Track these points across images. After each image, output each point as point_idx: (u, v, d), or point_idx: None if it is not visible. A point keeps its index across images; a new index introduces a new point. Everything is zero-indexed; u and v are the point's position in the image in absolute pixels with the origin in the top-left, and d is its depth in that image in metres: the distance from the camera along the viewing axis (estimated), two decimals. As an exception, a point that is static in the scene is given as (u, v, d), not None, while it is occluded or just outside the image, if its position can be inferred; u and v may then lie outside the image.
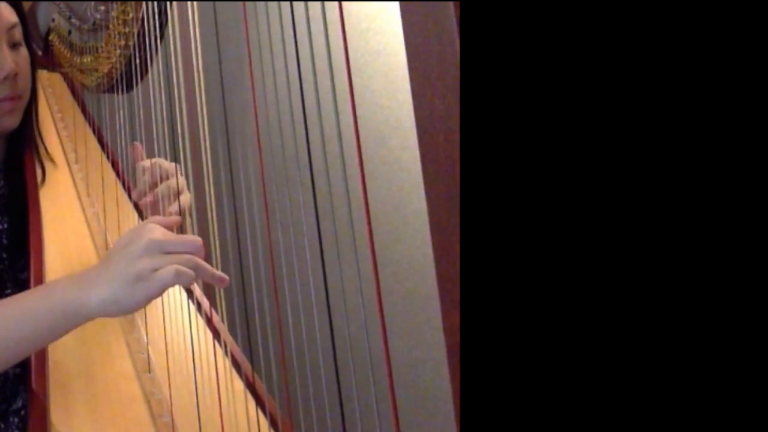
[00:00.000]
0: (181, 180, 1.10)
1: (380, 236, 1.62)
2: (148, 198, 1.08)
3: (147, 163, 1.10)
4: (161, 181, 1.09)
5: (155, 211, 1.07)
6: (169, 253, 0.81)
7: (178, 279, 0.79)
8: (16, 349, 0.85)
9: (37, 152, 1.23)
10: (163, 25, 1.07)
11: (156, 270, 0.79)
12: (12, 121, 1.13)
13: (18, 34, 1.13)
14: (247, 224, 0.87)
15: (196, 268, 0.81)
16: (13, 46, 1.12)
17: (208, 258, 0.99)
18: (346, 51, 0.59)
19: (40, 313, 0.83)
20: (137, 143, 1.15)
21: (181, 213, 1.07)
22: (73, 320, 0.83)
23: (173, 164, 1.09)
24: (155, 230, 0.82)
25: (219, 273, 0.84)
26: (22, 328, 0.83)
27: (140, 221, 1.22)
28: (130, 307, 0.81)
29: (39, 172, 1.22)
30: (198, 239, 0.83)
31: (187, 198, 1.10)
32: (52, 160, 1.25)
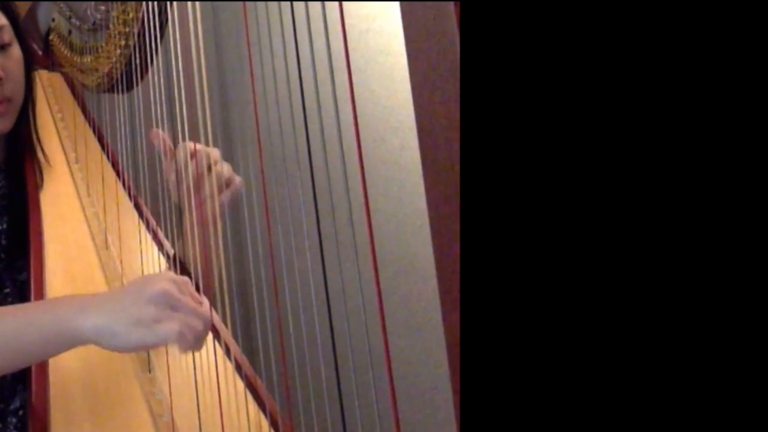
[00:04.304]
0: (227, 166, 1.00)
1: (380, 236, 1.62)
2: (194, 198, 0.97)
3: (189, 146, 0.98)
4: (208, 171, 0.98)
5: (202, 206, 0.98)
6: (177, 311, 0.79)
7: (177, 340, 0.78)
8: (10, 359, 0.84)
9: (35, 155, 1.22)
10: (163, 25, 1.07)
11: (157, 322, 0.78)
12: (3, 125, 1.12)
13: (7, 35, 1.11)
14: (248, 224, 0.87)
15: (197, 338, 0.79)
16: (1, 48, 1.10)
17: (207, 259, 0.99)
18: (346, 51, 0.59)
19: (37, 326, 0.82)
20: (158, 130, 1.03)
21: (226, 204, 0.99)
22: (67, 339, 0.81)
23: (215, 150, 0.99)
24: (172, 284, 0.81)
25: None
26: (18, 339, 0.82)
27: (140, 221, 1.22)
28: (121, 344, 0.79)
29: (38, 175, 1.21)
30: (207, 313, 0.82)
31: (238, 185, 1.01)
32: (49, 163, 1.25)
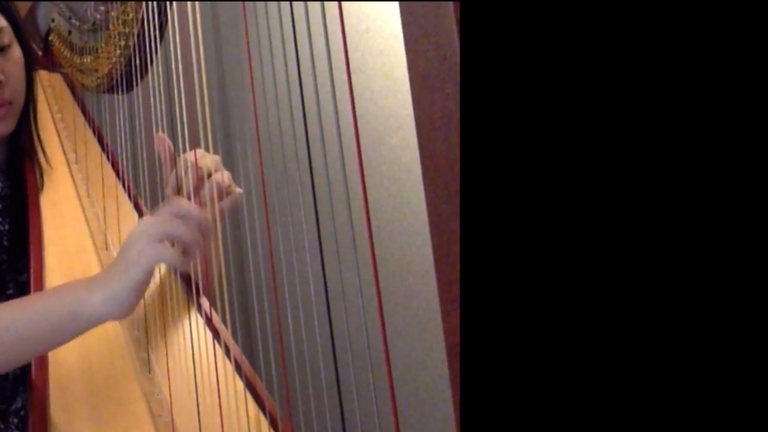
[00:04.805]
0: (227, 174, 1.00)
1: (380, 236, 1.62)
2: (193, 201, 0.95)
3: (190, 156, 0.98)
4: (207, 178, 0.98)
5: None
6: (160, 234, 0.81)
7: (156, 256, 0.79)
8: (23, 350, 0.85)
9: (36, 157, 1.22)
10: (162, 26, 1.06)
11: (140, 254, 0.79)
12: (5, 128, 1.12)
13: (6, 37, 1.10)
14: (247, 224, 0.87)
15: (191, 240, 0.80)
16: (0, 50, 1.10)
17: (206, 258, 0.98)
18: (345, 51, 0.59)
19: (47, 313, 0.83)
20: (161, 134, 1.02)
21: (226, 213, 0.99)
22: (79, 321, 0.82)
23: (215, 157, 0.99)
24: (146, 221, 0.83)
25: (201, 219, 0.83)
26: (30, 329, 0.82)
27: (140, 221, 1.22)
28: (120, 298, 0.80)
29: (38, 176, 1.21)
30: (185, 207, 0.82)
31: (236, 195, 1.01)
32: (50, 165, 1.24)
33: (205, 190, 0.95)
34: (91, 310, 0.81)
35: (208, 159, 0.97)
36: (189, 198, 0.95)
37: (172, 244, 0.81)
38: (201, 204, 0.95)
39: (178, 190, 1.00)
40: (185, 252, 0.81)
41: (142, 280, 0.80)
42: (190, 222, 0.81)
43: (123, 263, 0.81)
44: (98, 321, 0.82)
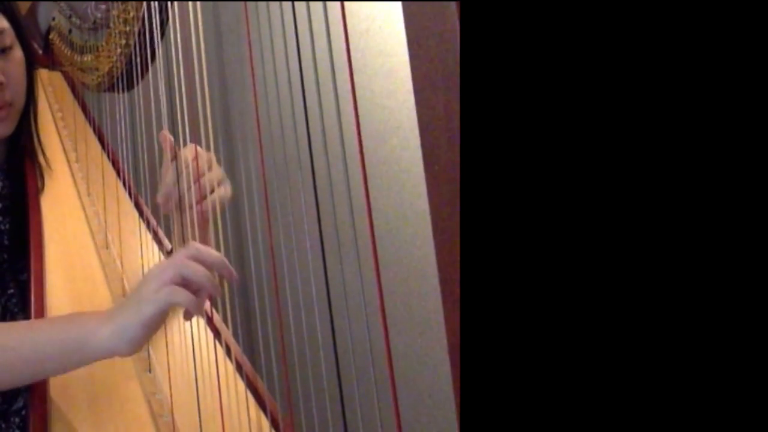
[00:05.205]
0: (217, 172, 0.99)
1: (381, 236, 1.62)
2: (195, 207, 0.96)
3: (190, 154, 0.97)
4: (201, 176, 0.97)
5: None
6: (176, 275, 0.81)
7: (170, 297, 0.80)
8: (29, 373, 0.86)
9: (36, 156, 1.21)
10: (163, 24, 1.06)
11: (155, 292, 0.80)
12: (5, 129, 1.12)
13: (8, 39, 1.10)
14: (249, 224, 0.87)
15: (192, 280, 0.80)
16: (1, 51, 1.09)
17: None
18: (348, 51, 0.59)
19: (55, 338, 0.83)
20: (164, 131, 1.01)
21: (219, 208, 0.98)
22: (85, 351, 0.82)
23: (209, 155, 0.98)
24: (164, 261, 0.84)
25: (224, 270, 0.83)
26: (36, 351, 0.83)
27: (141, 221, 1.22)
28: (129, 333, 0.80)
29: (38, 175, 1.21)
30: (203, 251, 0.82)
31: (227, 191, 1.00)
32: (50, 166, 1.24)
33: (196, 191, 0.96)
34: (98, 342, 0.81)
35: (202, 160, 0.98)
36: (180, 201, 0.96)
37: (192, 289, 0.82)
38: (201, 199, 0.96)
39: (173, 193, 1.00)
40: (198, 294, 0.82)
41: (153, 319, 0.80)
42: (207, 265, 0.82)
43: (136, 300, 0.81)
44: (104, 353, 0.83)
